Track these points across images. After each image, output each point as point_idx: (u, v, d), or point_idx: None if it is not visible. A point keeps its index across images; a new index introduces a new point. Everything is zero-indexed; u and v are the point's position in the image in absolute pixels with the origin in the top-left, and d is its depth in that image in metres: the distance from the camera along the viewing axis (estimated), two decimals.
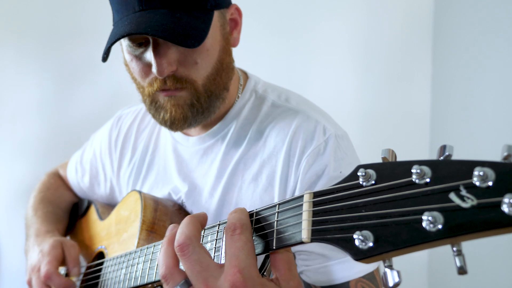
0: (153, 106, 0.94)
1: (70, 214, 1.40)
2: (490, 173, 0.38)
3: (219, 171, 1.01)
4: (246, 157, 0.99)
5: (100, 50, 0.88)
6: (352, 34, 2.24)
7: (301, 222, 0.52)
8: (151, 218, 0.98)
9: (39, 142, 2.23)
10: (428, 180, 0.42)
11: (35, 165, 2.20)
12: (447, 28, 2.13)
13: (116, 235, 1.08)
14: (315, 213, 0.51)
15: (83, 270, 1.19)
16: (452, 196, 0.40)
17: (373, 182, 0.46)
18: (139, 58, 0.91)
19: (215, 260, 0.64)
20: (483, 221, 0.38)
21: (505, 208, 0.36)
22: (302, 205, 0.53)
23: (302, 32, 2.25)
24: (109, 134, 1.25)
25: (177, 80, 0.89)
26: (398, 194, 0.44)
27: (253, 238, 0.60)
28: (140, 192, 1.03)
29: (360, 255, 0.45)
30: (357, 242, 0.45)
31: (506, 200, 0.36)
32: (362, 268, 0.89)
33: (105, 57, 0.87)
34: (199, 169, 1.05)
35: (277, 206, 0.58)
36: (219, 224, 0.67)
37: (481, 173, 0.38)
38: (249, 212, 0.61)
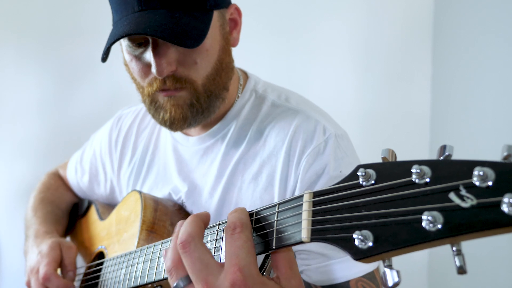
0: (153, 106, 0.94)
1: (70, 214, 1.40)
2: (490, 173, 0.38)
3: (219, 171, 1.01)
4: (246, 157, 0.99)
5: (100, 50, 0.88)
6: (352, 34, 2.24)
7: (301, 222, 0.52)
8: (151, 218, 0.98)
9: (39, 142, 2.23)
10: (428, 180, 0.42)
11: (35, 165, 2.20)
12: (447, 28, 2.13)
13: (116, 235, 1.08)
14: (315, 213, 0.51)
15: (83, 270, 1.19)
16: (452, 196, 0.40)
17: (373, 182, 0.46)
18: (138, 58, 0.91)
19: (216, 259, 0.64)
20: (482, 220, 0.38)
21: (504, 208, 0.36)
22: (302, 204, 0.53)
23: (302, 32, 2.25)
24: (109, 134, 1.25)
25: (176, 80, 0.89)
26: (398, 194, 0.44)
27: (254, 238, 0.60)
28: (140, 192, 1.03)
29: (360, 255, 0.45)
30: (356, 242, 0.45)
31: (506, 200, 0.36)
32: (362, 268, 0.89)
33: (104, 58, 0.87)
34: (199, 169, 1.05)
35: (277, 205, 0.58)
36: (219, 224, 0.67)
37: (481, 173, 0.38)
38: (249, 212, 0.61)
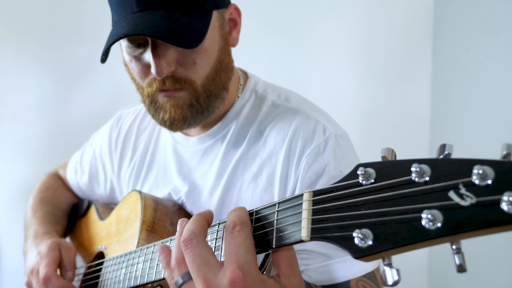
0: (153, 106, 0.94)
1: (70, 214, 1.40)
2: (490, 171, 0.38)
3: (219, 171, 1.01)
4: (246, 157, 0.99)
5: (100, 50, 0.88)
6: (352, 34, 2.24)
7: (300, 221, 0.52)
8: (151, 218, 0.98)
9: (39, 142, 2.23)
10: (427, 178, 0.42)
11: (35, 165, 2.20)
12: (447, 28, 2.13)
13: (116, 235, 1.08)
14: (314, 212, 0.52)
15: (83, 270, 1.19)
16: (452, 194, 0.40)
17: (372, 180, 0.47)
18: (138, 58, 0.91)
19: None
20: (482, 219, 0.38)
21: (504, 206, 0.36)
22: (301, 203, 0.53)
23: (302, 32, 2.25)
24: (109, 135, 1.25)
25: (176, 81, 0.89)
26: (397, 192, 0.44)
27: (254, 237, 0.60)
28: (140, 192, 1.03)
29: (360, 253, 0.45)
30: (356, 241, 0.45)
31: (505, 198, 0.36)
32: (362, 267, 0.89)
33: (103, 58, 0.87)
34: (199, 169, 1.05)
35: (277, 205, 0.58)
36: (218, 224, 0.67)
37: (481, 172, 0.38)
38: (249, 211, 0.61)
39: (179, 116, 0.92)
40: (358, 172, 0.47)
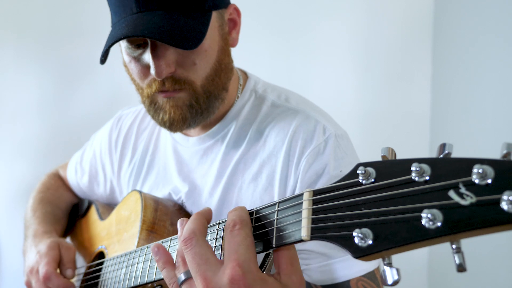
0: (152, 107, 0.94)
1: (70, 214, 1.40)
2: (489, 170, 0.38)
3: (219, 171, 1.01)
4: (246, 157, 0.99)
5: (100, 50, 0.88)
6: (352, 34, 2.24)
7: (300, 220, 0.52)
8: (151, 218, 0.98)
9: (39, 142, 2.23)
10: (427, 178, 0.42)
11: (35, 165, 2.20)
12: (447, 28, 2.13)
13: (117, 235, 1.08)
14: (314, 211, 0.52)
15: (83, 270, 1.19)
16: (451, 193, 0.40)
17: (372, 180, 0.47)
18: (137, 59, 0.91)
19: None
20: (482, 218, 0.38)
21: (504, 205, 0.36)
22: (301, 203, 0.53)
23: (302, 32, 2.25)
24: (109, 135, 1.25)
25: (175, 81, 0.89)
26: (397, 192, 0.44)
27: (254, 236, 0.60)
28: (140, 192, 1.03)
29: (360, 253, 0.45)
30: (356, 240, 0.45)
31: (505, 197, 0.36)
32: (362, 267, 0.89)
33: (103, 60, 0.87)
34: (199, 169, 1.05)
35: (277, 204, 0.58)
36: (218, 223, 0.67)
37: (480, 171, 0.38)
38: (249, 211, 0.61)
39: (179, 117, 0.91)
40: (358, 172, 0.47)
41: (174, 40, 0.81)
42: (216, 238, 0.66)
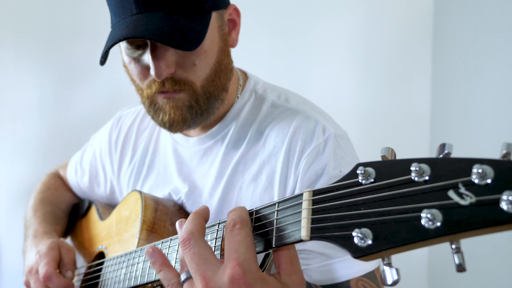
0: (152, 108, 0.94)
1: (71, 214, 1.40)
2: (489, 170, 0.38)
3: (219, 171, 1.01)
4: (246, 158, 0.99)
5: (100, 50, 0.88)
6: (352, 34, 2.24)
7: (300, 220, 0.52)
8: (151, 218, 0.98)
9: (39, 142, 2.23)
10: (427, 178, 0.42)
11: (35, 165, 2.20)
12: (447, 28, 2.13)
13: (117, 235, 1.08)
14: (314, 211, 0.52)
15: (83, 270, 1.19)
16: (451, 193, 0.40)
17: (372, 180, 0.47)
18: (137, 60, 0.91)
19: None
20: (481, 218, 0.38)
21: (503, 205, 0.36)
22: (301, 203, 0.53)
23: (302, 32, 2.25)
24: (109, 135, 1.25)
25: (175, 82, 0.89)
26: (397, 192, 0.44)
27: (254, 236, 0.60)
28: (140, 192, 1.03)
29: (359, 253, 0.45)
30: (356, 240, 0.45)
31: (504, 197, 0.36)
32: (362, 267, 0.89)
33: (103, 61, 0.87)
34: (199, 169, 1.05)
35: (277, 204, 0.58)
36: (218, 223, 0.67)
37: (480, 171, 0.38)
38: (248, 210, 0.61)
39: (179, 118, 0.91)
40: (358, 172, 0.47)
41: (174, 41, 0.81)
42: (216, 238, 0.66)
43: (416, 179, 0.43)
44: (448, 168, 0.41)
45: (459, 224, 0.39)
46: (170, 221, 1.00)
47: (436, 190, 0.41)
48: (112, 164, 1.24)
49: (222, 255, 0.64)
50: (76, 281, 1.19)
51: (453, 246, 0.41)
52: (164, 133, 1.15)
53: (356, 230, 0.45)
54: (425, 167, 0.42)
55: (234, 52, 1.02)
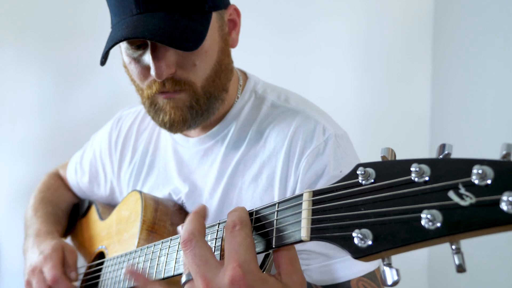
0: (152, 108, 0.94)
1: (71, 214, 1.40)
2: (489, 171, 0.38)
3: (219, 172, 1.01)
4: (246, 158, 0.99)
5: (100, 50, 0.88)
6: (352, 34, 2.24)
7: (300, 221, 0.53)
8: (151, 218, 0.98)
9: (39, 142, 2.23)
10: (427, 178, 0.42)
11: (35, 165, 2.20)
12: (447, 28, 2.13)
13: (117, 235, 1.08)
14: (314, 212, 0.52)
15: (83, 270, 1.19)
16: (451, 194, 0.40)
17: (372, 180, 0.47)
18: (137, 60, 0.91)
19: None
20: (481, 219, 0.38)
21: (503, 206, 0.36)
22: (301, 203, 0.53)
23: (302, 32, 2.25)
24: (109, 135, 1.25)
25: (176, 83, 0.89)
26: (397, 192, 0.44)
27: (254, 237, 0.60)
28: (140, 192, 1.03)
29: (359, 253, 0.45)
30: (356, 240, 0.45)
31: (504, 198, 0.36)
32: (363, 267, 0.89)
33: (103, 61, 0.87)
34: (199, 170, 1.05)
35: (277, 205, 0.58)
36: (218, 224, 0.67)
37: (480, 171, 0.38)
38: (248, 211, 0.61)
39: (179, 118, 0.91)
40: (358, 172, 0.47)
41: (175, 42, 0.81)
42: (216, 239, 0.66)
43: (416, 179, 0.43)
44: (448, 168, 0.41)
45: (459, 224, 0.39)
46: (170, 221, 1.00)
47: (436, 191, 0.41)
48: (112, 164, 1.24)
49: (222, 255, 0.64)
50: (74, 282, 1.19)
51: (453, 247, 0.41)
52: (164, 134, 1.15)
53: (356, 230, 0.45)
54: (425, 167, 0.42)
55: (234, 52, 1.02)
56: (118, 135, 1.23)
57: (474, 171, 0.39)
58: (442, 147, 0.44)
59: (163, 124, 0.94)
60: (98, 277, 1.08)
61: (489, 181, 0.38)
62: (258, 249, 0.58)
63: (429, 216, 0.40)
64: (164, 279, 0.76)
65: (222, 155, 1.01)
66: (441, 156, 0.43)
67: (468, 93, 1.95)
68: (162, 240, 0.81)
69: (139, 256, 0.86)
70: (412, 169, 0.43)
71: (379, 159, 0.48)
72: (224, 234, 0.60)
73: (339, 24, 2.23)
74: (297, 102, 1.03)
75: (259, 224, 0.60)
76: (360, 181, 0.47)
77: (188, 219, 0.62)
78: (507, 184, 0.37)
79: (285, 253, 0.58)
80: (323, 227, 0.49)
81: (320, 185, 0.90)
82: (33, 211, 1.29)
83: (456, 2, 2.07)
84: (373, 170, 0.47)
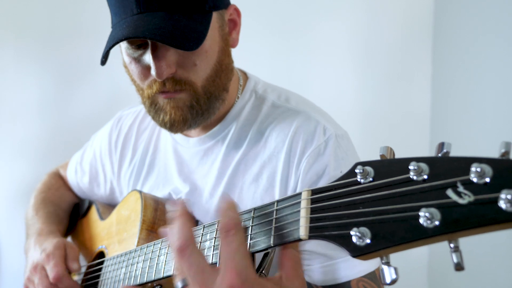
0: (153, 108, 0.94)
1: (71, 214, 1.40)
2: (488, 169, 0.38)
3: (220, 172, 1.01)
4: (246, 158, 0.99)
5: (100, 50, 0.88)
6: (352, 34, 2.24)
7: (299, 219, 0.53)
8: (151, 217, 0.98)
9: (39, 142, 2.23)
10: (425, 176, 0.42)
11: (35, 165, 2.20)
12: (447, 28, 2.13)
13: (117, 235, 1.08)
14: (313, 210, 0.52)
15: (83, 269, 1.19)
16: (450, 192, 0.40)
17: (371, 179, 0.47)
18: (138, 60, 0.91)
19: (215, 258, 0.64)
20: (480, 217, 0.38)
21: (502, 204, 0.36)
22: (300, 202, 0.53)
23: (302, 32, 2.25)
24: (109, 135, 1.25)
25: (176, 82, 0.89)
26: (395, 190, 0.44)
27: (252, 235, 0.60)
28: (140, 192, 1.03)
29: (358, 252, 0.45)
30: (354, 239, 0.45)
31: (503, 196, 0.36)
32: (363, 268, 0.89)
33: (103, 61, 0.87)
34: (199, 170, 1.05)
35: (276, 203, 0.58)
36: (218, 222, 0.67)
37: (478, 169, 0.38)
38: (248, 210, 0.61)
39: (180, 118, 0.91)
40: (357, 171, 0.47)
41: (175, 41, 0.81)
42: (215, 238, 0.66)
43: (414, 178, 0.43)
44: (446, 167, 0.41)
45: (457, 223, 0.39)
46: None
47: (435, 189, 0.41)
48: (112, 165, 1.24)
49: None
50: (76, 280, 1.19)
51: (452, 245, 0.41)
52: (164, 133, 1.15)
53: (355, 229, 0.45)
54: (423, 166, 0.42)
55: (235, 52, 1.02)
56: (118, 135, 1.23)
57: (473, 169, 0.39)
58: (441, 145, 0.44)
59: (163, 124, 0.94)
60: (98, 276, 1.08)
61: (487, 179, 0.38)
62: (257, 248, 0.58)
63: (427, 214, 0.40)
64: (163, 278, 0.76)
65: (223, 155, 1.01)
66: (439, 155, 0.43)
67: (468, 93, 1.95)
68: (162, 239, 0.81)
69: (138, 256, 0.87)
70: (411, 167, 0.43)
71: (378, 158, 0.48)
72: (219, 237, 0.59)
73: (339, 24, 2.23)
74: (297, 102, 1.03)
75: (258, 223, 0.60)
76: (358, 179, 0.47)
77: (179, 226, 0.60)
78: (506, 182, 0.37)
79: (291, 257, 0.57)
80: (322, 226, 0.49)
81: (320, 185, 0.90)
82: (34, 211, 1.29)
83: (456, 2, 2.07)
84: (371, 169, 0.47)
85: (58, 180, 1.42)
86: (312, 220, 0.51)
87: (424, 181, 0.42)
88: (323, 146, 0.92)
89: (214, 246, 0.66)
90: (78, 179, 1.34)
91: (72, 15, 2.22)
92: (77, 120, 2.22)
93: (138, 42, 0.88)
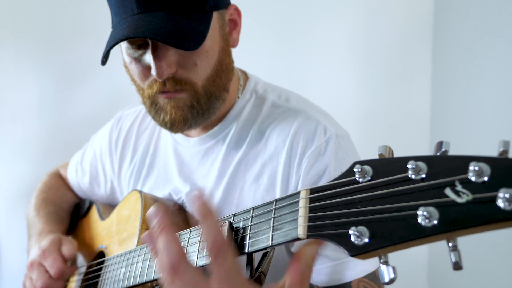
0: (153, 108, 0.94)
1: (72, 214, 1.40)
2: (486, 168, 0.38)
3: (220, 172, 1.01)
4: (247, 158, 0.99)
5: (100, 50, 0.88)
6: (352, 34, 2.24)
7: (297, 219, 0.53)
8: None
9: (39, 142, 2.23)
10: (424, 175, 0.42)
11: (35, 165, 2.20)
12: (447, 28, 2.13)
13: (117, 235, 1.08)
14: (311, 209, 0.52)
15: (83, 269, 1.19)
16: (448, 191, 0.40)
17: (369, 178, 0.47)
18: (138, 60, 0.91)
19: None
20: (478, 216, 0.38)
21: (500, 203, 0.36)
22: (298, 201, 0.53)
23: (302, 32, 2.25)
24: (109, 135, 1.25)
25: (176, 82, 0.89)
26: (394, 189, 0.44)
27: (251, 235, 0.60)
28: (140, 192, 1.03)
29: (356, 251, 0.45)
30: (352, 238, 0.45)
31: (501, 194, 0.36)
32: (364, 268, 0.89)
33: (104, 61, 0.87)
34: (199, 170, 1.05)
35: (274, 202, 0.58)
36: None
37: (477, 168, 0.38)
38: (247, 209, 0.61)
39: (180, 118, 0.91)
40: (355, 170, 0.47)
41: (176, 41, 0.81)
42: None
43: (413, 177, 0.43)
44: (445, 165, 0.41)
45: (455, 222, 0.39)
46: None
47: (433, 188, 0.41)
48: (112, 165, 1.24)
49: None
50: (76, 280, 1.19)
51: (450, 244, 0.41)
52: (165, 133, 1.15)
53: (353, 228, 0.45)
54: (422, 165, 0.42)
55: (235, 52, 1.02)
56: (119, 135, 1.23)
57: (471, 168, 0.39)
58: (440, 144, 0.44)
59: (163, 124, 0.94)
60: (98, 276, 1.08)
61: (485, 178, 0.38)
62: (256, 247, 0.58)
63: (425, 213, 0.40)
64: None
65: (223, 155, 1.01)
66: (438, 154, 0.43)
67: (468, 93, 1.95)
68: None
69: (138, 256, 0.87)
70: (409, 166, 0.43)
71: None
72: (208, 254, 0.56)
73: (339, 24, 2.23)
74: (298, 102, 1.03)
75: (257, 222, 0.60)
76: (357, 178, 0.47)
77: (167, 242, 0.57)
78: (504, 181, 0.37)
79: (301, 265, 0.55)
80: (320, 225, 0.49)
81: None
82: (35, 211, 1.29)
83: (456, 2, 2.07)
84: (370, 168, 0.47)
85: (59, 180, 1.42)
86: (310, 219, 0.51)
87: (422, 180, 0.42)
88: (323, 146, 0.92)
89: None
90: (79, 179, 1.34)
91: (72, 15, 2.22)
92: (77, 120, 2.23)
93: (138, 42, 0.88)
